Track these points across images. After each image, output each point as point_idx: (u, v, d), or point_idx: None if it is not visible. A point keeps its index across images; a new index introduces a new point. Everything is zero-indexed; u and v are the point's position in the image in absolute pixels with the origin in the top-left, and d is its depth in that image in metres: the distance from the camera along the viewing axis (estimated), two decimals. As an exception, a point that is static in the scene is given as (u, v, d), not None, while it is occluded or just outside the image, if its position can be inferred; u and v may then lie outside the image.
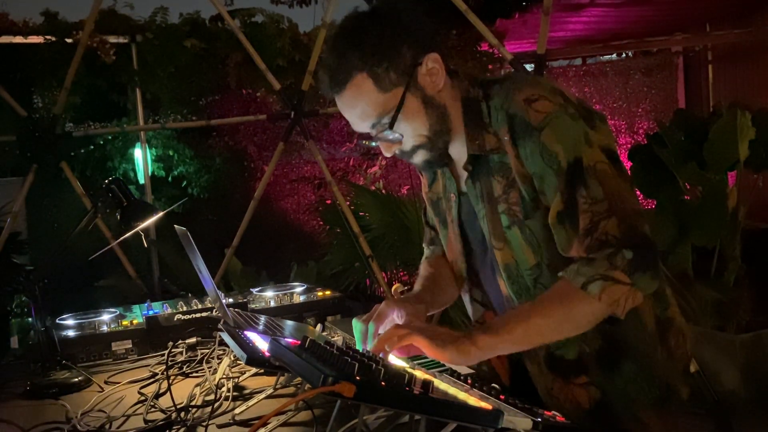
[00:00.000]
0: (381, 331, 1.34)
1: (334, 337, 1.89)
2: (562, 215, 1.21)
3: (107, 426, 1.46)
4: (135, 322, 2.08)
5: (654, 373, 1.32)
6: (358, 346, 1.38)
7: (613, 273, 1.14)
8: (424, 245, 1.67)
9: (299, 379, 1.55)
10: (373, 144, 1.36)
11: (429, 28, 1.27)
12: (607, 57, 7.82)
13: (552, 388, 1.35)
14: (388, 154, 1.33)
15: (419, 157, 1.33)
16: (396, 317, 1.36)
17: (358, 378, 1.00)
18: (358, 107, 1.27)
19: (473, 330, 1.21)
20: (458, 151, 1.35)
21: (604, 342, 1.29)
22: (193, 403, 1.52)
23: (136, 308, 2.28)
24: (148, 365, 1.88)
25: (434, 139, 1.30)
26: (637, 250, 1.15)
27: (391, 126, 1.26)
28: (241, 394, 1.60)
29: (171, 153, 5.90)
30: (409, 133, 1.29)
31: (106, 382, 1.77)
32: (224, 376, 1.67)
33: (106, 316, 2.14)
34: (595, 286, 1.15)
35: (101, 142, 5.73)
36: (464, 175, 1.35)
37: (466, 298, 1.51)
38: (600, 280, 1.15)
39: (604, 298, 1.15)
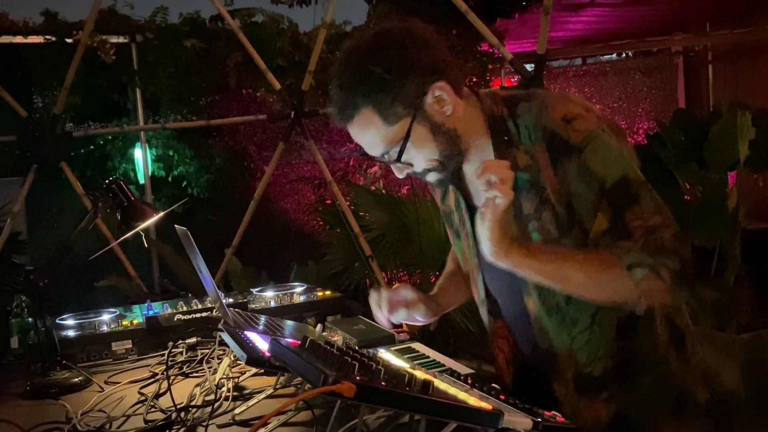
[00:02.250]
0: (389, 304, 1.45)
1: (334, 337, 1.89)
2: (606, 233, 1.22)
3: (107, 426, 1.46)
4: (135, 322, 2.08)
5: (669, 382, 1.34)
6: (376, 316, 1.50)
7: (660, 269, 1.17)
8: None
9: (299, 379, 1.55)
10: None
11: (436, 55, 1.26)
12: (607, 57, 7.83)
13: (579, 407, 1.34)
14: (400, 176, 1.33)
15: (431, 178, 1.33)
16: (408, 297, 1.46)
17: (358, 378, 1.00)
18: (367, 138, 1.29)
19: (519, 241, 1.22)
20: (474, 169, 1.32)
21: (620, 357, 1.30)
22: (193, 403, 1.52)
23: (136, 308, 2.28)
24: (148, 365, 1.88)
25: (445, 162, 1.30)
26: (682, 262, 1.19)
27: (398, 158, 1.27)
28: (241, 394, 1.60)
29: (171, 153, 5.90)
30: (419, 159, 1.30)
31: (106, 382, 1.77)
32: (224, 376, 1.67)
33: (106, 316, 2.14)
34: (640, 272, 1.17)
35: (101, 142, 5.73)
36: (482, 192, 1.30)
37: (483, 310, 1.51)
38: (647, 269, 1.17)
39: (642, 285, 1.18)
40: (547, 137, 1.24)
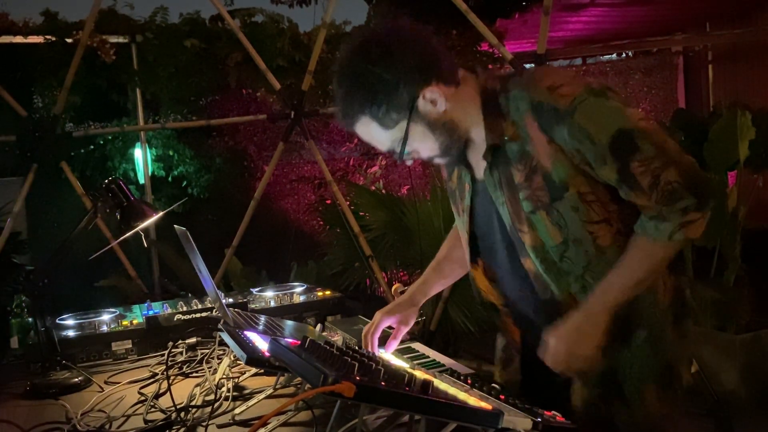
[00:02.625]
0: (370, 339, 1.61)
1: (334, 337, 1.89)
2: (620, 182, 1.29)
3: (107, 426, 1.46)
4: (135, 322, 2.08)
5: (660, 347, 1.39)
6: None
7: (688, 218, 1.26)
8: None
9: (299, 379, 1.55)
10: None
11: (424, 54, 1.31)
12: (607, 57, 7.83)
13: None
14: (409, 163, 1.44)
15: (438, 161, 1.43)
16: (394, 324, 1.62)
17: (358, 378, 1.00)
18: (371, 139, 1.39)
19: (588, 309, 1.31)
20: (478, 140, 1.41)
21: (618, 317, 1.35)
22: (193, 403, 1.52)
23: (136, 308, 2.28)
24: (148, 365, 1.89)
25: (446, 150, 1.39)
26: (698, 190, 1.26)
27: (400, 157, 1.37)
28: (241, 394, 1.60)
29: (171, 153, 5.89)
30: (422, 151, 1.39)
31: (106, 382, 1.77)
32: (224, 376, 1.67)
33: (106, 316, 2.14)
34: (680, 234, 1.27)
35: (101, 142, 5.73)
36: (481, 164, 1.41)
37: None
38: (681, 229, 1.26)
39: (685, 239, 1.28)
40: (535, 107, 1.30)
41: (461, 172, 1.51)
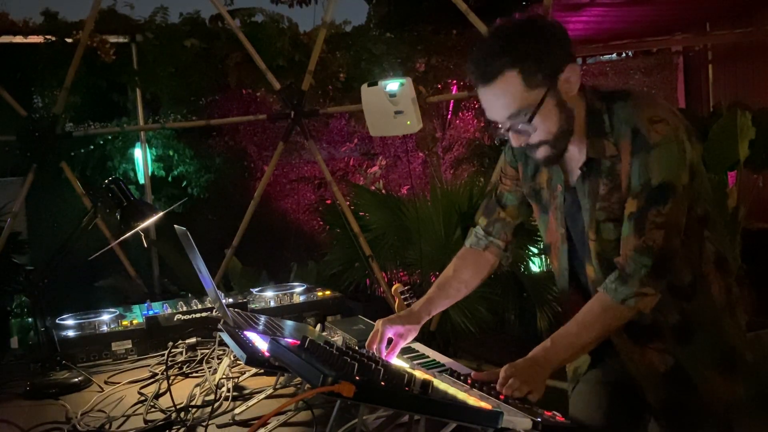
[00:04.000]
0: (377, 347, 1.59)
1: (334, 337, 1.89)
2: (631, 216, 1.42)
3: (107, 426, 1.46)
4: (135, 322, 2.08)
5: (722, 340, 1.52)
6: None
7: (644, 290, 1.40)
8: (476, 226, 1.81)
9: (299, 379, 1.55)
10: (501, 135, 1.49)
11: (569, 44, 1.44)
12: (607, 57, 7.82)
13: (633, 352, 1.53)
14: (515, 144, 1.48)
15: (542, 153, 1.48)
16: (393, 335, 1.63)
17: (358, 378, 1.00)
18: (503, 99, 1.42)
19: (538, 363, 1.40)
20: (574, 151, 1.52)
21: (680, 317, 1.49)
22: (193, 403, 1.53)
23: (136, 308, 2.28)
24: (148, 365, 1.89)
25: (559, 137, 1.46)
26: (662, 261, 1.40)
27: (530, 119, 1.41)
28: (241, 394, 1.60)
29: (171, 153, 5.89)
30: (541, 129, 1.44)
31: (106, 382, 1.77)
32: (224, 376, 1.67)
33: (106, 316, 2.14)
34: (632, 302, 1.41)
35: (101, 142, 5.73)
36: (576, 172, 1.52)
37: (563, 277, 1.66)
38: (635, 298, 1.40)
39: (637, 308, 1.42)
40: (633, 133, 1.42)
41: (552, 175, 1.59)
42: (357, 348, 1.47)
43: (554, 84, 1.41)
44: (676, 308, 1.49)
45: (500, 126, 1.46)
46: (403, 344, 1.66)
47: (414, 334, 1.68)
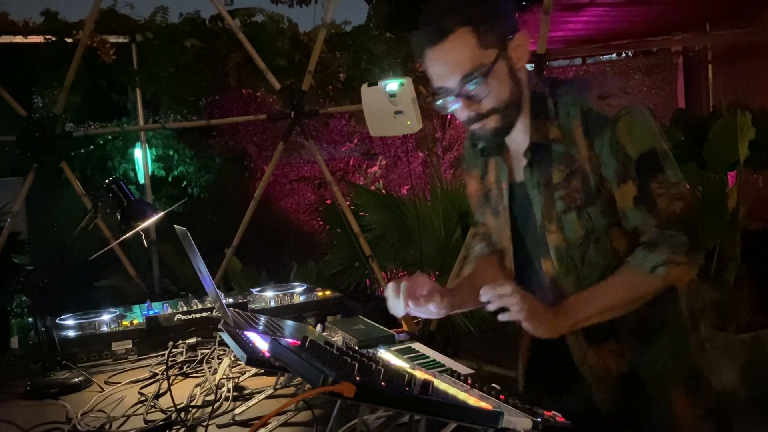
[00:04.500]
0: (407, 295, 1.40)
1: (334, 337, 1.89)
2: (638, 200, 1.34)
3: (107, 426, 1.46)
4: (135, 322, 2.08)
5: (685, 350, 1.44)
6: (391, 305, 1.43)
7: (674, 257, 1.31)
8: (470, 241, 1.76)
9: (299, 379, 1.55)
10: (449, 107, 1.41)
11: (515, 12, 1.43)
12: (607, 57, 7.82)
13: (586, 354, 1.44)
14: (463, 115, 1.40)
15: (491, 123, 1.40)
16: (425, 290, 1.42)
17: (358, 378, 1.00)
18: (454, 58, 1.35)
19: (557, 313, 1.34)
20: (517, 141, 1.46)
21: (639, 319, 1.40)
22: (193, 403, 1.53)
23: (136, 308, 2.28)
24: (148, 365, 1.89)
25: (510, 106, 1.40)
26: (692, 232, 1.33)
27: (485, 76, 1.34)
28: (241, 394, 1.60)
29: (171, 153, 5.90)
30: (492, 94, 1.37)
31: (106, 382, 1.77)
32: (224, 376, 1.67)
33: (106, 316, 2.14)
34: (662, 269, 1.31)
35: (101, 142, 5.73)
36: (521, 164, 1.46)
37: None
38: (664, 265, 1.31)
39: (668, 278, 1.33)
40: (584, 113, 1.37)
41: (498, 171, 1.54)
42: (357, 348, 1.47)
43: (506, 47, 1.37)
44: (635, 309, 1.38)
45: (451, 90, 1.37)
46: (423, 303, 1.42)
47: (445, 303, 1.45)
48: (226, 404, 1.53)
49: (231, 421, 1.44)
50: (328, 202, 5.56)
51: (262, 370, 1.68)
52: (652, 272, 1.32)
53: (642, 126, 1.34)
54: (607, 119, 1.34)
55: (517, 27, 1.40)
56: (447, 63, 1.36)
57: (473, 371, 1.52)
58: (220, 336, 1.74)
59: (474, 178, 1.64)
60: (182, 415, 1.44)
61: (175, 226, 1.76)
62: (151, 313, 2.12)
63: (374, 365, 1.11)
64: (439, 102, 1.41)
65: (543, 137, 1.41)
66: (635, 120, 1.34)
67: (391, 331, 1.89)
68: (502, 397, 1.20)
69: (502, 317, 1.30)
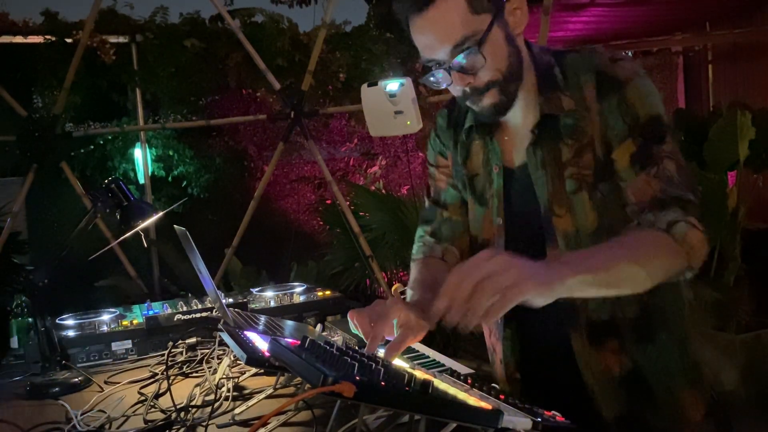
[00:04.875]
0: (381, 333, 1.32)
1: (334, 337, 1.89)
2: (635, 158, 1.24)
3: (107, 426, 1.46)
4: (135, 322, 2.08)
5: (687, 350, 1.35)
6: (366, 343, 1.32)
7: (689, 218, 1.19)
8: (421, 236, 1.57)
9: (299, 379, 1.55)
10: (441, 83, 1.28)
11: None
12: (607, 57, 7.82)
13: (590, 357, 1.33)
14: (457, 88, 1.28)
15: (489, 99, 1.28)
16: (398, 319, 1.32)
17: (358, 378, 1.00)
18: (443, 26, 1.21)
19: (554, 265, 1.10)
20: (516, 119, 1.34)
21: (641, 311, 1.31)
22: (193, 403, 1.52)
23: (136, 308, 2.28)
24: (148, 365, 1.88)
25: (510, 79, 1.27)
26: (694, 192, 1.23)
27: (479, 44, 1.21)
28: (241, 394, 1.60)
29: (171, 153, 5.90)
30: (489, 64, 1.24)
31: (106, 382, 1.77)
32: (224, 376, 1.67)
33: (106, 316, 2.14)
34: (680, 227, 1.18)
35: (101, 142, 5.74)
36: (521, 144, 1.33)
37: None
38: (683, 222, 1.18)
39: (686, 240, 1.18)
40: (598, 75, 1.27)
41: (488, 154, 1.40)
42: (357, 348, 1.47)
43: (501, 10, 1.23)
44: (635, 299, 1.28)
45: (441, 63, 1.24)
46: (410, 342, 1.31)
47: (422, 335, 1.33)
48: (225, 404, 1.52)
49: (231, 421, 1.44)
50: (328, 202, 5.56)
51: (262, 370, 1.68)
52: (668, 231, 1.17)
53: (652, 92, 1.27)
54: (618, 80, 1.26)
55: None
56: (435, 32, 1.22)
57: (473, 371, 1.52)
58: (219, 336, 1.74)
59: (444, 165, 1.50)
60: (182, 415, 1.44)
61: (175, 226, 1.76)
62: (150, 313, 2.12)
63: (374, 365, 1.11)
64: (429, 77, 1.27)
65: (556, 108, 1.29)
66: (646, 84, 1.27)
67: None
68: (502, 396, 1.20)
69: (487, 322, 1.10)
